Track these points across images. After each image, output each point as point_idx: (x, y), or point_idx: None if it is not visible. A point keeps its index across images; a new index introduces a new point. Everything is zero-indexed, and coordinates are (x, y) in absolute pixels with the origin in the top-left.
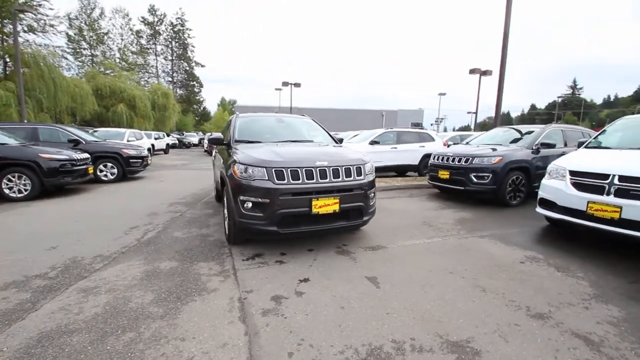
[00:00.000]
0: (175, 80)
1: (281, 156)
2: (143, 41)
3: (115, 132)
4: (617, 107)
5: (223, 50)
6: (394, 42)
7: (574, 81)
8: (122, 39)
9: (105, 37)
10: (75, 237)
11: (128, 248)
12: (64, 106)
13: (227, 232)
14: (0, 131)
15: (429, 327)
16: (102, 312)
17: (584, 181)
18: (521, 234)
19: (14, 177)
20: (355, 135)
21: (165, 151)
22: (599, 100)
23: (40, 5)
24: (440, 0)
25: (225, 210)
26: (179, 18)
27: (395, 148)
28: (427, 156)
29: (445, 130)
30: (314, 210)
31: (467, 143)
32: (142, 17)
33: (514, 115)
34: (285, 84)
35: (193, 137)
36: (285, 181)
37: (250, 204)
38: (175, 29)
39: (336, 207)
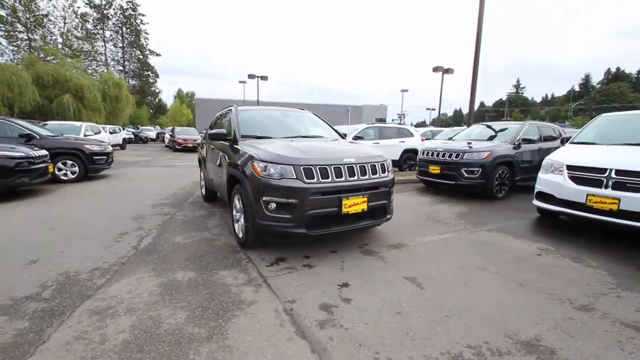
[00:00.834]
0: (127, 70)
1: (305, 153)
2: (89, 25)
3: (70, 125)
4: (554, 105)
5: (182, 40)
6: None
7: (518, 81)
8: (64, 23)
9: (45, 20)
10: (56, 248)
11: (127, 258)
12: None
13: (240, 235)
14: None
15: (495, 329)
16: (132, 338)
17: (582, 175)
18: (522, 226)
19: None
20: None
21: (122, 146)
22: (538, 99)
23: None
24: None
25: (235, 212)
26: (129, 2)
27: (378, 143)
28: (407, 151)
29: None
30: (344, 209)
31: (451, 139)
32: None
33: (465, 112)
34: (251, 76)
35: (150, 131)
36: (315, 180)
37: (275, 205)
38: (126, 14)
39: (364, 206)
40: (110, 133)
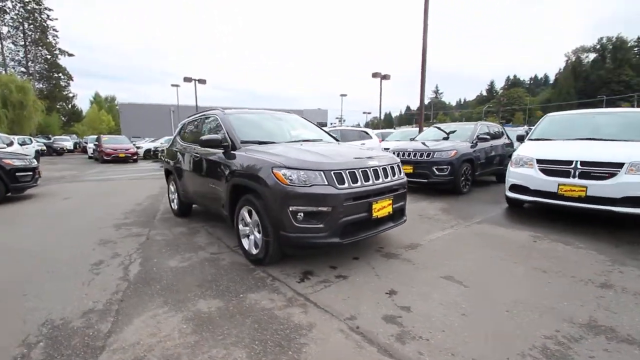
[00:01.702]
0: (31, 72)
1: (330, 157)
2: None
3: None
4: (467, 108)
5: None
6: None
7: (437, 87)
8: None
9: None
10: (14, 291)
11: (122, 293)
12: None
13: (253, 251)
14: None
15: (554, 316)
16: None
17: (551, 167)
18: (503, 217)
19: None
20: None
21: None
22: (454, 103)
23: None
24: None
25: (243, 226)
26: None
27: None
28: None
29: None
30: (374, 214)
31: (413, 139)
32: None
33: (394, 115)
34: (187, 79)
35: (66, 141)
36: (346, 185)
37: (304, 215)
38: (28, 8)
39: (390, 209)
40: (20, 145)
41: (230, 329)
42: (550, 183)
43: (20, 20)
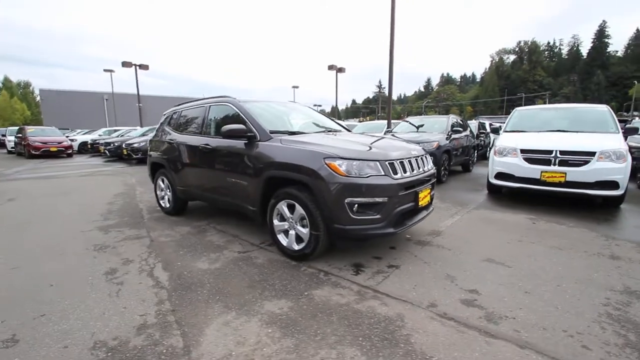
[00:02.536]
0: None
1: (378, 147)
2: None
3: None
4: (407, 103)
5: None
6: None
7: (380, 82)
8: None
9: None
10: (28, 311)
11: (169, 302)
12: None
13: (295, 247)
14: None
15: (597, 287)
16: None
17: (534, 156)
18: (491, 203)
19: None
20: None
21: None
22: (395, 97)
23: None
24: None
25: (278, 221)
26: None
27: None
28: None
29: None
30: (420, 203)
31: (390, 132)
32: None
33: (340, 108)
34: (127, 64)
35: None
36: (399, 175)
37: (360, 206)
38: None
39: (429, 198)
40: None
41: (321, 328)
42: (534, 170)
43: None
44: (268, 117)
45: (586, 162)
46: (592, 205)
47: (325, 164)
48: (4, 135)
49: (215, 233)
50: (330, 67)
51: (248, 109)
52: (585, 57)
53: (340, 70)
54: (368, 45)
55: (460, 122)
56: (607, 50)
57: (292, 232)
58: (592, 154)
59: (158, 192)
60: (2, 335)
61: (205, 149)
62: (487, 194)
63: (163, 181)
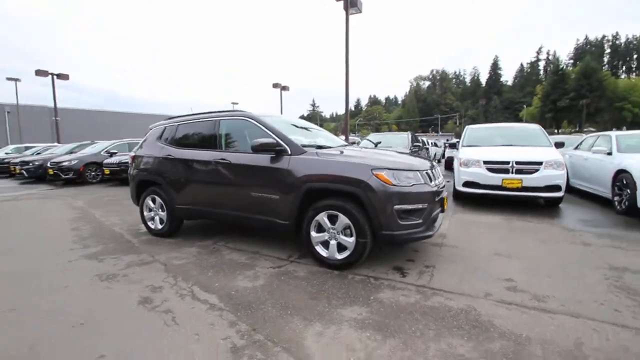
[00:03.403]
0: None
1: (405, 159)
2: None
3: None
4: (339, 121)
5: None
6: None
7: (313, 101)
8: None
9: None
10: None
11: (245, 323)
12: None
13: (338, 256)
14: None
15: (597, 267)
16: None
17: (495, 167)
18: (463, 207)
19: None
20: None
21: None
22: (328, 115)
23: None
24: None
25: (315, 233)
26: None
27: None
28: None
29: None
30: (444, 207)
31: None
32: None
33: None
34: (41, 73)
35: None
36: (433, 183)
37: (405, 213)
38: None
39: (446, 203)
40: None
41: (412, 325)
42: (496, 178)
43: None
44: (290, 131)
45: (536, 170)
46: (537, 206)
47: (374, 174)
48: None
49: (231, 251)
50: (275, 85)
51: (271, 124)
52: (484, 85)
53: (285, 88)
54: (297, 65)
55: (414, 137)
56: (501, 80)
57: (332, 243)
58: (540, 163)
59: (146, 213)
60: None
61: (221, 164)
62: (454, 200)
63: (154, 200)
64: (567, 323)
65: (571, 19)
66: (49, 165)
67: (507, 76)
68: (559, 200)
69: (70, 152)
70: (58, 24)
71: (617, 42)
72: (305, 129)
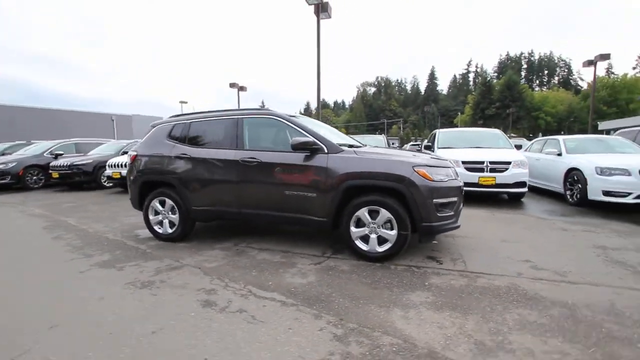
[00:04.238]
0: None
1: (431, 157)
2: None
3: None
4: None
5: None
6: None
7: (262, 102)
8: None
9: None
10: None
11: (334, 324)
12: None
13: (379, 249)
14: None
15: (593, 245)
16: None
17: (472, 166)
18: None
19: None
20: None
21: None
22: None
23: None
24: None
25: (355, 228)
26: None
27: None
28: None
29: None
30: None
31: None
32: None
33: None
34: None
35: None
36: (459, 179)
37: (441, 205)
38: None
39: None
40: None
41: (479, 303)
42: (474, 177)
43: None
44: (320, 130)
45: (506, 169)
46: (504, 200)
47: (415, 171)
48: None
49: (258, 252)
50: (232, 85)
51: (303, 123)
52: (423, 93)
53: (242, 88)
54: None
55: (387, 140)
56: (437, 89)
57: (373, 236)
58: (509, 163)
59: (151, 217)
60: None
61: (249, 163)
62: None
63: (163, 203)
64: (593, 290)
65: (496, 35)
66: None
67: (443, 85)
68: (522, 195)
69: (2, 154)
70: None
71: (532, 58)
72: (326, 128)
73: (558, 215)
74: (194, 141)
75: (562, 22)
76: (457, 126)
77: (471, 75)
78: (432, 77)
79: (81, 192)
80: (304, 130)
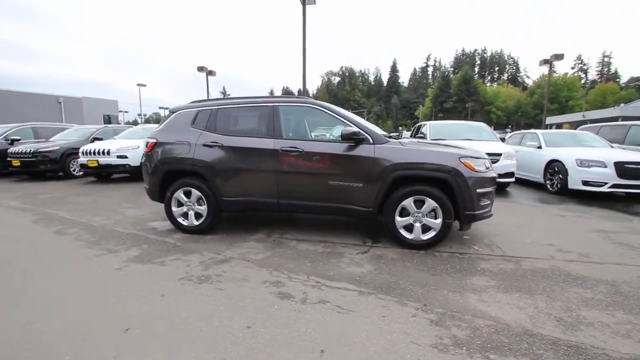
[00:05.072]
0: None
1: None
2: None
3: None
4: None
5: None
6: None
7: (224, 88)
8: None
9: None
10: None
11: (420, 309)
12: None
13: (423, 237)
14: None
15: (584, 231)
16: None
17: None
18: None
19: None
20: None
21: None
22: None
23: None
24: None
25: (399, 217)
26: None
27: None
28: None
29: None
30: None
31: None
32: None
33: None
34: None
35: None
36: (492, 169)
37: (481, 195)
38: None
39: None
40: None
41: (532, 284)
42: None
43: None
44: (360, 121)
45: (498, 160)
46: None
47: (462, 162)
48: None
49: (297, 243)
50: (200, 69)
51: (345, 113)
52: (385, 84)
53: (211, 73)
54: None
55: None
56: (399, 82)
57: (417, 225)
58: (500, 154)
59: (174, 209)
60: None
61: (289, 152)
62: None
63: (188, 194)
64: (619, 269)
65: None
66: None
67: (404, 78)
68: (508, 184)
69: None
70: None
71: (485, 55)
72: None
73: (548, 204)
74: (224, 129)
75: (512, 21)
76: (418, 118)
77: (430, 69)
78: (394, 69)
79: (49, 181)
80: (347, 120)
